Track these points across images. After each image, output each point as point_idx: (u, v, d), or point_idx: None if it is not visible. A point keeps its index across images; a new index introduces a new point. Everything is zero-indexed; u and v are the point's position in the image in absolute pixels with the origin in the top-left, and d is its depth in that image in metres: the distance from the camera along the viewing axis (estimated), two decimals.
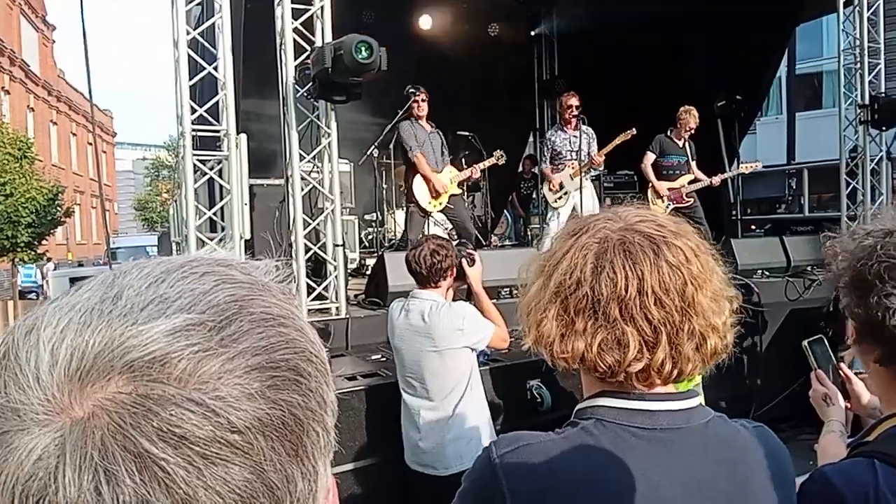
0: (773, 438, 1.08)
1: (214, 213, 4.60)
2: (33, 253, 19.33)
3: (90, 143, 38.14)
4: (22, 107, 28.61)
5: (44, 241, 20.23)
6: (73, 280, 5.34)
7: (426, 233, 7.65)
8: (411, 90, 6.36)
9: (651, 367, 0.97)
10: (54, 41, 34.26)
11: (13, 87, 27.83)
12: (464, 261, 3.14)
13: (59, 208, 19.92)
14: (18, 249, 18.54)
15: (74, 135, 36.08)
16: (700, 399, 1.04)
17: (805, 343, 1.81)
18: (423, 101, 6.31)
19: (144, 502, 0.37)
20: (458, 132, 8.31)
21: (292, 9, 4.72)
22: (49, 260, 22.97)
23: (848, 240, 1.19)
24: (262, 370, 0.42)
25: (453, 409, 3.08)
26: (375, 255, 6.84)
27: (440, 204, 6.29)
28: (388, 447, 3.46)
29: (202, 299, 0.43)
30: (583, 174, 6.83)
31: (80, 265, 21.74)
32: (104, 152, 41.55)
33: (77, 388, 0.39)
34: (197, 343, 0.40)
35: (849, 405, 1.77)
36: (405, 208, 6.78)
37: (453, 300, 3.25)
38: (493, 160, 6.86)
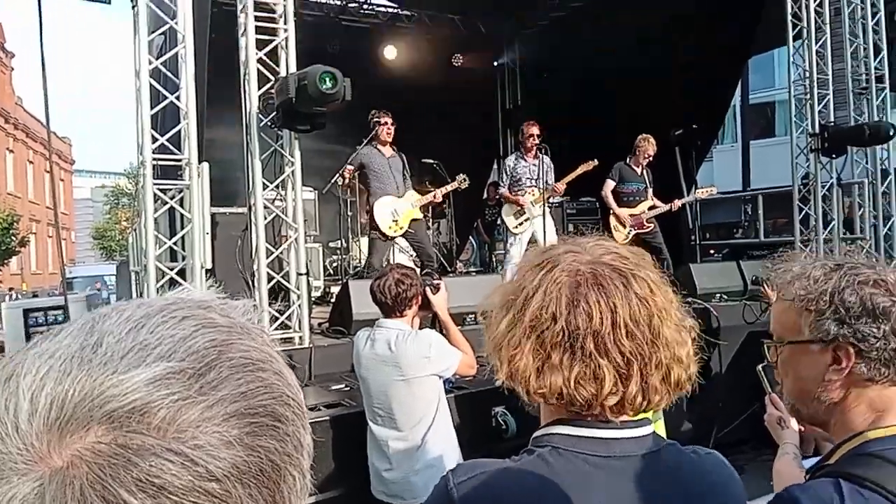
0: (724, 465, 1.11)
1: (175, 243, 4.54)
2: None
3: (48, 171, 37.37)
4: None
5: None
6: (26, 312, 5.18)
7: (390, 259, 7.68)
8: (374, 115, 6.36)
9: (625, 400, 0.99)
10: (13, 68, 33.66)
11: None
12: (428, 289, 3.15)
13: (13, 237, 19.41)
14: None
15: (31, 162, 35.34)
16: (653, 427, 1.06)
17: (759, 367, 1.84)
18: (385, 124, 6.31)
19: None
20: (423, 160, 8.38)
21: (257, 39, 4.74)
22: (11, 290, 22.27)
23: (795, 285, 1.22)
24: (241, 417, 0.42)
25: (422, 438, 3.07)
26: (340, 282, 6.81)
27: (401, 228, 6.28)
28: (353, 477, 3.42)
29: (182, 345, 0.43)
30: (544, 201, 6.94)
31: (35, 296, 21.12)
32: (62, 180, 40.72)
33: (56, 438, 0.39)
34: (177, 392, 0.41)
35: (802, 428, 1.82)
36: (368, 235, 6.79)
37: (420, 328, 3.25)
38: (455, 185, 6.87)
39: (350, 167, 6.25)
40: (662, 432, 3.34)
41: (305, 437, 0.47)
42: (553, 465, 1.00)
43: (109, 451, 0.39)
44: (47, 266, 35.88)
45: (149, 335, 0.43)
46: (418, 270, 6.14)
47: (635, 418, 1.06)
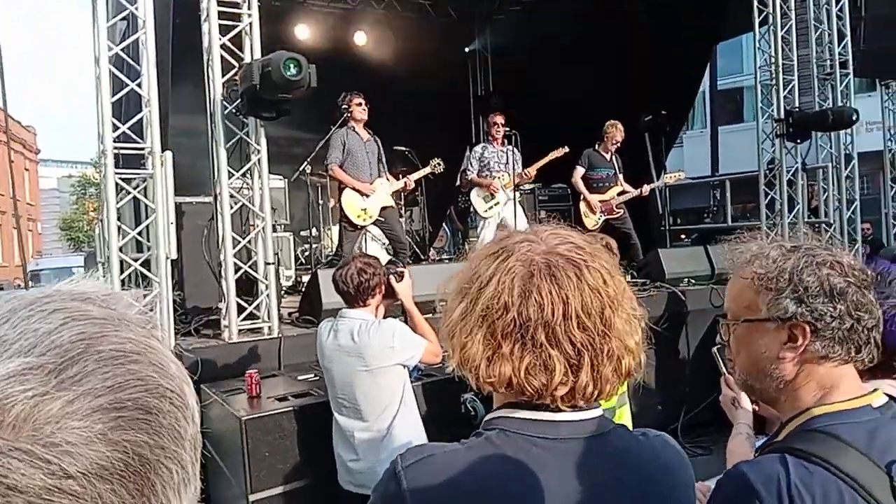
0: (673, 446, 1.13)
1: (139, 233, 4.47)
2: None
3: (12, 161, 36.49)
4: None
5: None
6: None
7: (362, 247, 7.64)
8: (346, 96, 6.22)
9: (576, 390, 1.00)
10: None
11: None
12: (391, 277, 3.14)
13: None
14: None
15: (12, 162, 34.48)
16: (602, 410, 1.07)
17: (714, 349, 1.88)
18: (360, 105, 6.17)
19: None
20: (395, 147, 8.33)
21: (220, 25, 4.66)
22: None
23: (754, 264, 1.24)
24: (105, 411, 0.41)
25: (387, 427, 3.07)
26: (311, 271, 6.76)
27: (370, 217, 6.22)
28: (319, 468, 3.41)
29: (45, 339, 0.42)
30: (514, 186, 6.96)
31: (1, 288, 20.72)
32: (27, 170, 39.82)
33: None
34: (32, 388, 0.40)
35: (756, 408, 1.86)
36: (339, 223, 6.71)
37: (387, 317, 3.24)
38: (429, 169, 6.78)
39: (337, 167, 6.09)
40: (628, 417, 3.40)
41: (188, 428, 0.47)
42: (500, 447, 1.01)
43: None
44: (13, 259, 35.13)
45: (10, 330, 0.43)
46: (388, 258, 6.14)
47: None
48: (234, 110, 4.73)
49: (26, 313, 0.44)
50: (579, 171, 7.38)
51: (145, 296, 0.50)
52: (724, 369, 1.88)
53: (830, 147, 7.90)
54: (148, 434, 0.43)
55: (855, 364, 1.18)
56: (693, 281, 6.50)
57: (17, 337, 0.42)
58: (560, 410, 1.02)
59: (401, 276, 3.19)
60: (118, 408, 0.42)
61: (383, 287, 3.10)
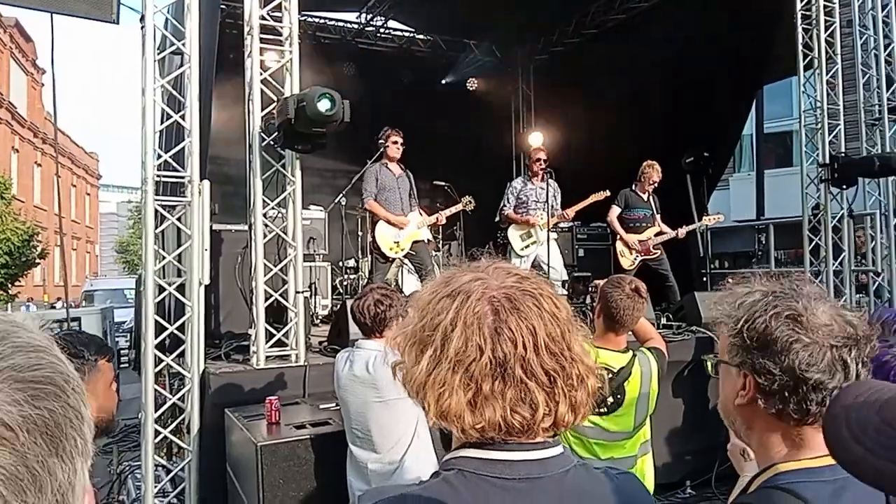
0: (638, 486, 1.12)
1: (176, 258, 4.61)
2: (5, 294, 19.09)
3: (74, 186, 38.12)
4: (6, 148, 28.66)
5: (18, 283, 19.99)
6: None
7: (398, 279, 7.70)
8: (385, 132, 6.37)
9: (557, 419, 1.00)
10: (43, 84, 34.49)
11: None
12: (411, 310, 3.15)
13: (33, 249, 19.76)
14: None
15: (59, 176, 36.02)
16: (562, 448, 1.06)
17: None
18: (396, 143, 6.32)
19: None
20: (435, 182, 8.43)
21: (261, 61, 4.84)
22: (30, 300, 22.64)
23: (727, 304, 1.23)
24: (25, 383, 0.52)
25: (399, 460, 3.06)
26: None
27: (402, 249, 6.30)
28: (333, 497, 3.41)
29: None
30: (550, 225, 6.95)
31: (53, 307, 21.46)
32: (88, 194, 41.49)
33: None
34: None
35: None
36: (370, 255, 6.82)
37: None
38: (460, 206, 6.87)
39: (372, 200, 6.25)
40: (650, 465, 3.30)
41: (85, 411, 0.56)
42: (457, 488, 1.00)
43: None
44: (70, 278, 36.47)
45: None
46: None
47: (547, 439, 1.06)
48: (272, 142, 4.88)
49: None
50: (615, 210, 7.34)
51: (56, 323, 0.62)
52: None
53: (879, 193, 7.67)
54: (59, 405, 0.53)
55: (815, 426, 1.10)
56: None
57: None
58: (518, 444, 1.01)
59: None
60: (36, 382, 0.52)
61: (401, 319, 3.11)
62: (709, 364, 1.29)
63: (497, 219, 10.87)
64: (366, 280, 8.25)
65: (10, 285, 19.15)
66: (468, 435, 1.01)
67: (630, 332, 3.10)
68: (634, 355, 2.93)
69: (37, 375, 0.52)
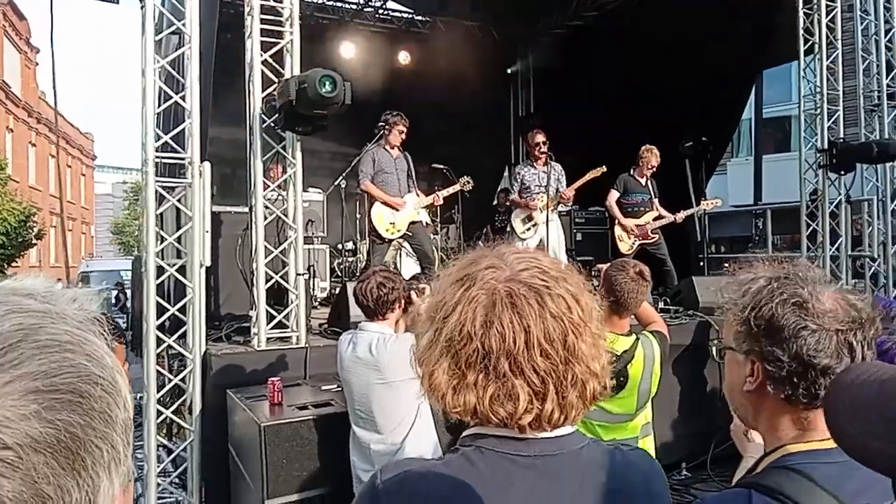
0: (649, 461, 1.14)
1: (177, 240, 4.61)
2: (2, 275, 19.04)
3: (69, 166, 37.88)
4: (1, 128, 28.44)
5: (14, 263, 19.94)
6: None
7: (397, 261, 7.72)
8: (391, 116, 6.33)
9: (542, 417, 1.01)
10: (38, 63, 34.14)
11: None
12: (413, 293, 3.18)
13: (30, 230, 19.68)
14: None
15: (53, 157, 35.83)
16: (574, 427, 1.08)
17: None
18: (402, 132, 6.30)
19: None
20: (433, 165, 8.42)
21: (262, 41, 4.81)
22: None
23: (732, 290, 1.23)
24: (40, 393, 0.46)
25: (402, 441, 3.09)
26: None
27: (398, 231, 6.31)
28: (336, 477, 3.45)
29: None
30: (550, 208, 6.96)
31: None
32: (83, 175, 41.25)
33: None
34: None
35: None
36: (368, 236, 6.83)
37: (407, 331, 3.28)
38: (457, 187, 6.88)
39: (369, 182, 6.24)
40: (651, 448, 3.34)
41: (118, 413, 0.51)
42: (476, 464, 1.03)
43: None
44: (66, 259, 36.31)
45: None
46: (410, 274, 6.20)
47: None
48: (272, 124, 4.87)
49: None
50: (614, 195, 7.35)
51: (88, 296, 0.56)
52: None
53: (876, 180, 7.70)
54: (79, 415, 0.48)
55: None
56: None
57: None
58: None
59: (422, 292, 3.22)
60: (52, 390, 0.47)
61: (403, 301, 3.14)
62: (714, 349, 1.31)
63: (495, 202, 10.92)
64: (364, 262, 8.27)
65: (6, 266, 19.09)
66: (450, 415, 1.04)
67: (632, 316, 3.13)
68: (638, 338, 2.96)
69: (55, 383, 0.47)
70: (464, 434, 1.10)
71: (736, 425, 1.93)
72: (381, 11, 10.90)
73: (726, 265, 11.43)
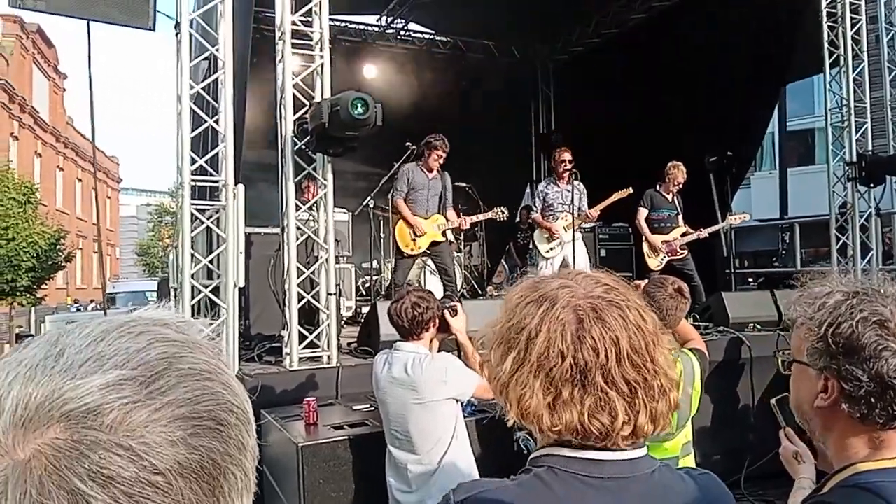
0: (718, 485, 1.14)
1: (210, 261, 4.67)
2: (32, 297, 19.35)
3: (95, 189, 38.47)
4: (29, 152, 29.04)
5: (43, 286, 20.26)
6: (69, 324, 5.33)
7: (420, 280, 7.75)
8: (434, 139, 6.37)
9: (637, 429, 1.02)
10: (65, 89, 34.92)
11: (22, 133, 28.29)
12: (446, 312, 3.18)
13: (59, 253, 20.00)
14: (18, 293, 18.57)
15: (80, 180, 36.48)
16: (645, 450, 1.09)
17: (773, 401, 1.80)
18: (440, 158, 6.35)
19: None
20: (456, 183, 8.46)
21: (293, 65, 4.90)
22: (76, 301, 22.94)
23: (806, 304, 1.20)
24: (185, 420, 0.48)
25: (439, 461, 3.08)
26: (371, 303, 6.89)
27: (419, 248, 6.35)
28: (372, 498, 3.45)
29: (135, 357, 0.49)
30: (575, 227, 6.95)
31: (78, 310, 21.70)
32: (108, 198, 41.92)
33: (20, 434, 0.45)
34: (127, 396, 0.47)
35: (818, 463, 1.80)
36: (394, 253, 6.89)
37: (440, 351, 3.28)
38: (491, 214, 6.91)
39: (400, 199, 6.32)
40: (692, 465, 3.30)
41: (249, 440, 0.53)
42: (549, 484, 1.03)
43: (65, 446, 0.45)
44: (91, 281, 36.85)
45: (106, 347, 0.50)
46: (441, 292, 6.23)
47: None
48: (303, 146, 4.94)
49: (117, 334, 0.51)
50: (642, 212, 7.32)
51: (211, 324, 0.58)
52: (782, 422, 1.82)
53: None
54: (219, 442, 0.50)
55: None
56: (759, 326, 6.29)
57: (112, 353, 0.49)
58: (607, 449, 1.04)
59: (455, 311, 3.23)
60: (196, 417, 0.49)
61: (437, 321, 3.14)
62: (780, 361, 1.30)
63: (517, 219, 10.93)
64: (388, 281, 8.32)
65: (36, 288, 19.39)
66: (547, 436, 1.05)
67: (670, 333, 3.11)
68: (677, 357, 2.94)
69: (198, 410, 0.49)
70: (533, 455, 1.11)
71: (785, 447, 1.89)
72: (402, 33, 11.03)
73: (751, 280, 11.32)
